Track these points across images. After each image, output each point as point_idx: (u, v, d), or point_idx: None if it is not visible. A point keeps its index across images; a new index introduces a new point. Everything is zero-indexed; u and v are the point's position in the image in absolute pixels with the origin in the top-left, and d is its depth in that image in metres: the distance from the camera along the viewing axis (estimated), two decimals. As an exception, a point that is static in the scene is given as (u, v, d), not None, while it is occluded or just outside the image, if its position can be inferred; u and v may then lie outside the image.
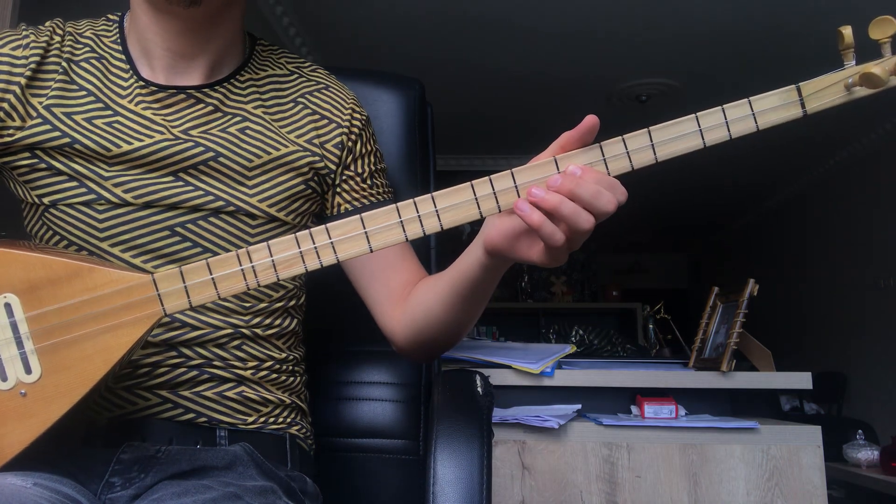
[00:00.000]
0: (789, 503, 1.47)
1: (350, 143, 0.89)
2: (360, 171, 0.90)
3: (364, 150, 0.91)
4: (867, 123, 4.56)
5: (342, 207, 0.89)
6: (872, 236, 4.77)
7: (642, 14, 3.28)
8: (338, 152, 0.88)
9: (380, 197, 0.91)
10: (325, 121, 0.88)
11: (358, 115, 0.91)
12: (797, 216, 5.97)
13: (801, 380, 1.63)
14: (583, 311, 4.88)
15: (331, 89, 0.91)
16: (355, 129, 0.90)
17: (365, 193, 0.90)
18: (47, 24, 0.84)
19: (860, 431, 3.25)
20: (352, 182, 0.89)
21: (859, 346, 4.86)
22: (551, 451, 1.51)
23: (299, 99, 0.89)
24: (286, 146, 0.84)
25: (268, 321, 0.84)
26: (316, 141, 0.87)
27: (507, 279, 5.29)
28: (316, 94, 0.90)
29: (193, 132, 0.81)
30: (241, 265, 0.65)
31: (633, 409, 1.64)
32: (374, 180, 0.91)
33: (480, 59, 3.74)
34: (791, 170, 5.50)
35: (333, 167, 0.88)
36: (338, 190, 0.89)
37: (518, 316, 4.91)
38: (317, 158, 0.86)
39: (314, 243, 0.65)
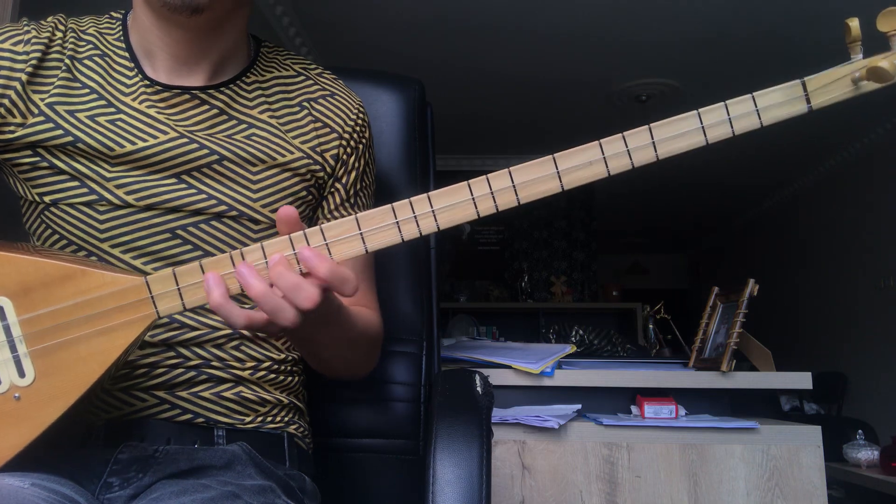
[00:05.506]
0: (789, 503, 1.47)
1: (345, 156, 0.88)
2: (346, 186, 0.88)
3: (356, 165, 0.89)
4: (863, 126, 4.56)
5: (319, 223, 0.88)
6: (872, 236, 4.76)
7: (642, 14, 3.27)
8: (332, 163, 0.87)
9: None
10: (327, 129, 0.87)
11: (360, 128, 0.90)
12: (796, 217, 5.97)
13: (801, 380, 1.62)
14: (583, 311, 4.86)
15: (337, 97, 0.90)
16: (352, 143, 0.89)
17: (343, 213, 0.88)
18: (49, 19, 0.83)
19: (860, 431, 3.25)
20: (337, 196, 0.88)
21: (859, 346, 4.85)
22: (551, 451, 1.51)
23: (304, 103, 0.88)
24: (291, 152, 0.84)
25: None
26: (318, 149, 0.86)
27: (508, 279, 5.29)
28: (321, 100, 0.89)
29: (199, 133, 0.81)
30: (234, 266, 0.64)
31: (633, 409, 1.64)
32: (358, 199, 0.90)
33: (480, 59, 3.73)
34: (791, 170, 5.50)
35: (327, 177, 0.87)
36: (322, 202, 0.88)
37: (518, 316, 4.89)
38: (318, 167, 0.85)
39: (308, 244, 0.64)
